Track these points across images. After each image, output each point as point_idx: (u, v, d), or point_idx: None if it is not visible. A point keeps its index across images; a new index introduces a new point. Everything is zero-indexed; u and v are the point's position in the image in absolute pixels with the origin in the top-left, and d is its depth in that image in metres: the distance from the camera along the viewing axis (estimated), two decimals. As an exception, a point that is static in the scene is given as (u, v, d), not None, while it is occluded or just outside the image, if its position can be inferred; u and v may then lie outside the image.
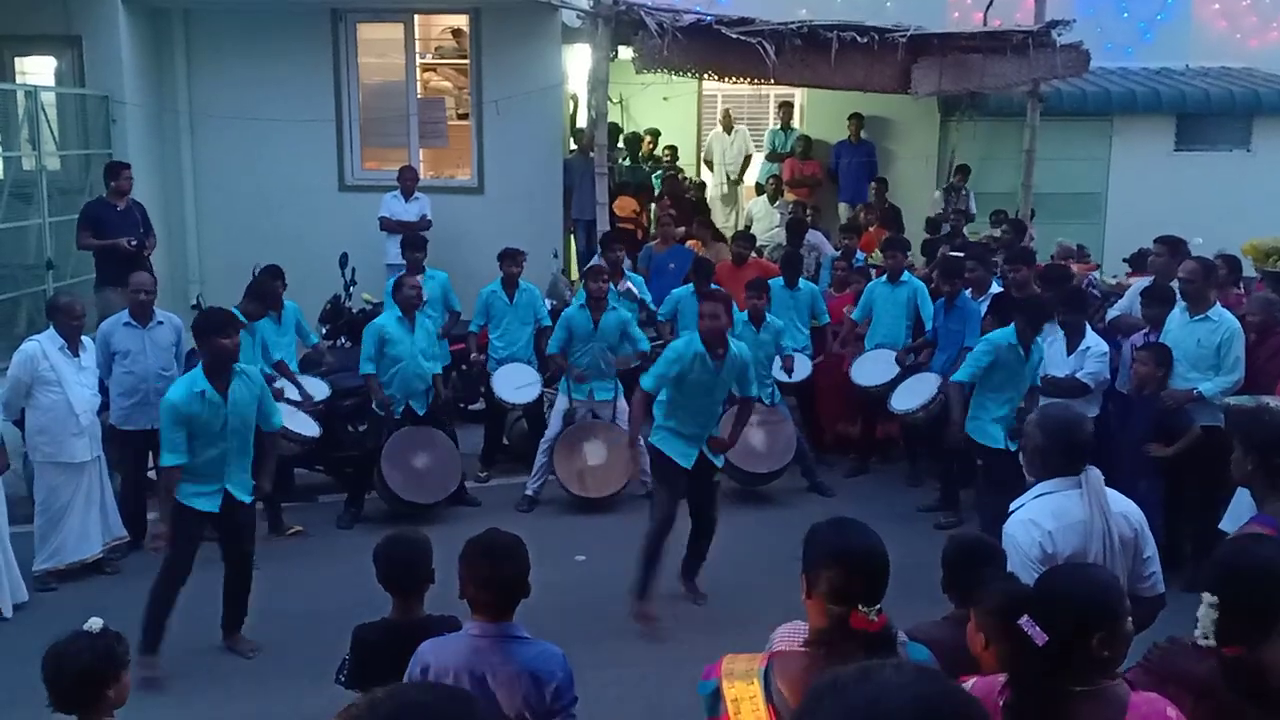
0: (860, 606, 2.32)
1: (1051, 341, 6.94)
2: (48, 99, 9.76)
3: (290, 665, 5.38)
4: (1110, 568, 3.32)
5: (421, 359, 7.51)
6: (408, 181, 10.09)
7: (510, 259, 8.36)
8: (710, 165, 13.90)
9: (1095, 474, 3.39)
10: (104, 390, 6.72)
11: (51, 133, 9.75)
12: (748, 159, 13.62)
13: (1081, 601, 2.37)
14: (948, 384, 7.08)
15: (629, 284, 8.58)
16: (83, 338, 6.55)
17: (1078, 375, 6.73)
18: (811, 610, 2.44)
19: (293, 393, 7.35)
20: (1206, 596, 2.55)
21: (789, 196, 12.52)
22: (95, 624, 3.18)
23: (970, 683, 2.49)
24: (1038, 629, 2.33)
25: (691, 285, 8.51)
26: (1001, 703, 2.39)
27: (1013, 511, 3.45)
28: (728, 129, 13.48)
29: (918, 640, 2.60)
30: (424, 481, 7.42)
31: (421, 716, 1.26)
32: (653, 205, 12.26)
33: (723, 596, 6.00)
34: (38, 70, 10.67)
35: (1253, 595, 2.55)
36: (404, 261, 8.70)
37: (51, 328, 6.45)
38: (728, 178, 13.53)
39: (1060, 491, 3.38)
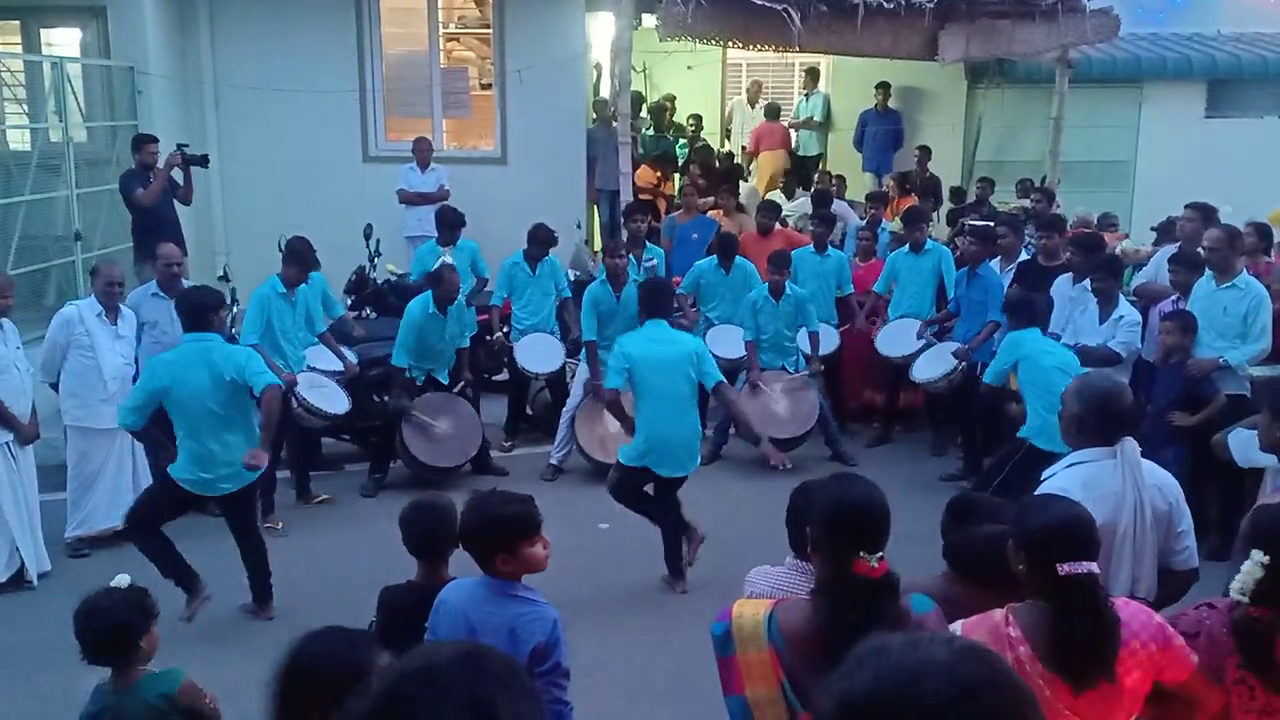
0: (862, 553, 2.36)
1: (1084, 310, 6.88)
2: (74, 70, 9.77)
3: (319, 627, 5.44)
4: (1140, 540, 3.31)
5: (449, 342, 7.62)
6: (423, 153, 10.08)
7: (543, 243, 8.26)
8: (729, 135, 13.76)
9: (1131, 445, 3.35)
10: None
11: (78, 104, 9.77)
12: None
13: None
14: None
15: (653, 259, 8.55)
16: (122, 307, 6.66)
17: (1110, 345, 6.66)
18: (816, 562, 2.49)
19: (330, 363, 7.39)
20: (1257, 554, 2.51)
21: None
22: (123, 579, 3.35)
23: (959, 625, 2.54)
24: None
25: (715, 258, 8.46)
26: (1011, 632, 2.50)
27: (1044, 480, 3.43)
28: (752, 101, 13.32)
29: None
30: (444, 446, 7.49)
31: (431, 678, 1.28)
32: (676, 175, 12.21)
33: (747, 562, 6.02)
34: (63, 42, 10.70)
35: None
36: (423, 233, 8.68)
37: (92, 295, 6.58)
38: (743, 150, 13.40)
39: (1094, 461, 3.36)
